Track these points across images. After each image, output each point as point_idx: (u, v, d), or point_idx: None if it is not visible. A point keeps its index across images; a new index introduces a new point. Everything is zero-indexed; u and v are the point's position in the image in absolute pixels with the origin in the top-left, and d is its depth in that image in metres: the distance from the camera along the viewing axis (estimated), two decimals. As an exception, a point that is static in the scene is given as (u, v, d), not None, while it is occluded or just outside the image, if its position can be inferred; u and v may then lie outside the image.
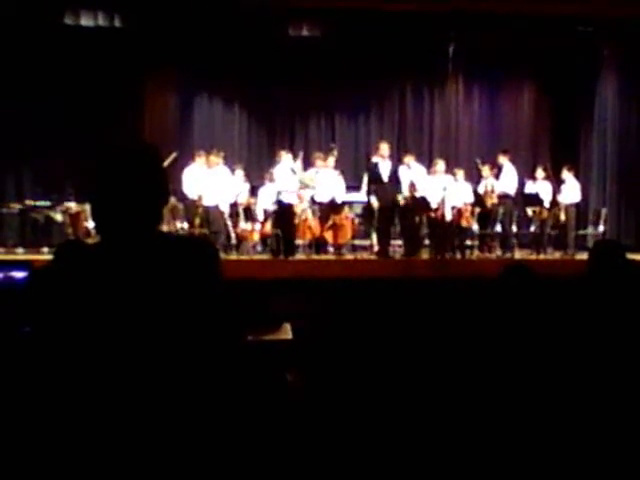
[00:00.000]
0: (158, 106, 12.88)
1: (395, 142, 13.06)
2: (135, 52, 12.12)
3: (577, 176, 12.02)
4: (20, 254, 10.26)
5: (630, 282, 3.40)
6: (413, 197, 10.66)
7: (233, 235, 10.94)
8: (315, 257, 10.63)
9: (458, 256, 10.92)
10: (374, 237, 10.81)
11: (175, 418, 1.75)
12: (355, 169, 12.65)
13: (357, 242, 11.24)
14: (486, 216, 11.37)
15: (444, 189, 10.67)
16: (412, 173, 10.96)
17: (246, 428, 2.52)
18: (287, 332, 4.67)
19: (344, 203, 10.93)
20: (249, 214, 10.91)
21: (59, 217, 10.63)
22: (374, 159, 10.74)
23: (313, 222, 10.71)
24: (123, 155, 1.87)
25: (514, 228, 11.62)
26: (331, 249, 10.96)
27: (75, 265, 1.80)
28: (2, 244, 10.91)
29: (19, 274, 4.97)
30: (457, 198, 11.02)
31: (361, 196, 10.96)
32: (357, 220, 11.14)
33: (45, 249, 10.18)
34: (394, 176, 10.50)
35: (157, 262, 1.81)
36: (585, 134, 13.45)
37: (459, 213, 11.04)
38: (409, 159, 11.22)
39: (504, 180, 11.53)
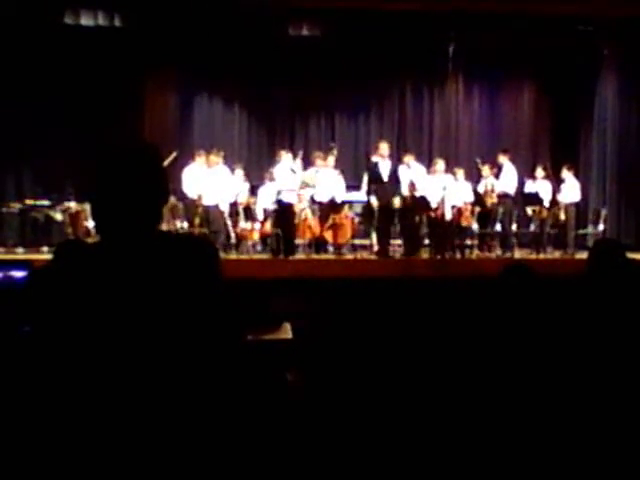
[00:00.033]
0: (158, 106, 12.89)
1: (395, 142, 13.06)
2: (135, 52, 12.12)
3: (577, 175, 12.03)
4: (20, 254, 10.26)
5: (630, 281, 3.40)
6: (413, 197, 10.66)
7: (233, 235, 10.94)
8: (315, 257, 10.63)
9: (458, 255, 10.92)
10: (374, 237, 10.81)
11: (175, 417, 1.75)
12: (355, 168, 12.65)
13: (357, 242, 11.23)
14: (486, 215, 11.37)
15: (444, 188, 10.67)
16: (412, 173, 10.96)
17: (246, 428, 2.52)
18: (287, 332, 4.67)
19: (344, 202, 10.93)
20: (249, 213, 10.91)
21: (59, 216, 10.64)
22: (374, 159, 10.74)
23: (313, 222, 10.71)
24: (123, 154, 1.87)
25: (514, 227, 11.62)
26: (331, 249, 10.96)
27: (75, 265, 1.80)
28: (2, 244, 10.91)
29: (19, 274, 4.97)
30: (457, 197, 11.02)
31: (361, 195, 10.95)
32: (357, 220, 11.14)
33: (45, 248, 10.18)
34: (394, 176, 10.50)
35: (157, 262, 1.81)
36: (585, 134, 13.45)
37: (459, 212, 11.04)
38: (409, 159, 11.23)
39: (504, 179, 11.53)
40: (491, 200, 11.29)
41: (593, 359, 3.00)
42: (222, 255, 9.36)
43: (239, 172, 11.27)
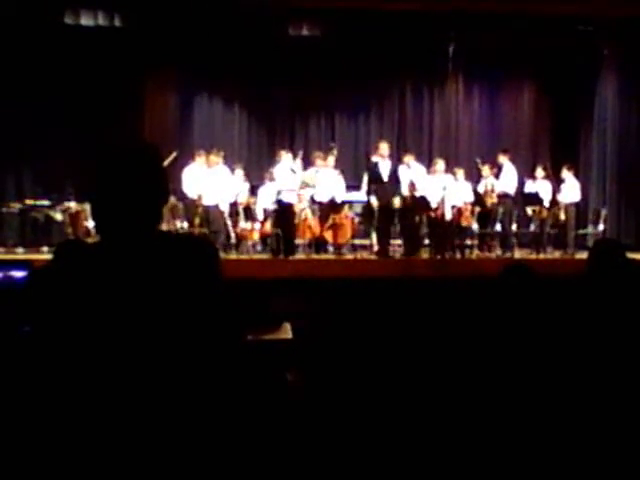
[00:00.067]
0: (158, 106, 12.89)
1: (395, 142, 13.06)
2: (135, 52, 12.12)
3: (577, 175, 12.03)
4: (20, 254, 10.26)
5: (630, 281, 3.40)
6: (413, 197, 10.66)
7: (233, 235, 10.94)
8: (315, 257, 10.63)
9: (458, 255, 10.92)
10: (374, 237, 10.81)
11: (175, 417, 1.75)
12: (355, 168, 12.65)
13: (357, 242, 11.23)
14: (486, 215, 11.37)
15: (444, 188, 10.67)
16: (412, 173, 10.96)
17: (246, 428, 2.52)
18: (287, 332, 4.67)
19: (344, 202, 10.93)
20: (249, 213, 10.91)
21: (59, 216, 10.64)
22: (374, 158, 10.74)
23: (313, 222, 10.71)
24: (123, 154, 1.87)
25: (514, 227, 11.62)
26: (331, 249, 10.96)
27: (75, 264, 1.80)
28: (2, 243, 10.91)
29: (19, 273, 4.97)
30: (457, 197, 11.02)
31: (361, 195, 10.95)
32: (357, 220, 11.14)
33: (45, 249, 10.18)
34: (394, 176, 10.50)
35: (157, 262, 1.81)
36: (585, 134, 13.45)
37: (459, 212, 11.04)
38: (409, 159, 11.22)
39: (504, 179, 11.53)
40: (491, 200, 11.29)
41: (593, 359, 3.00)
42: (222, 255, 9.36)
43: (239, 172, 11.27)
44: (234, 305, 1.91)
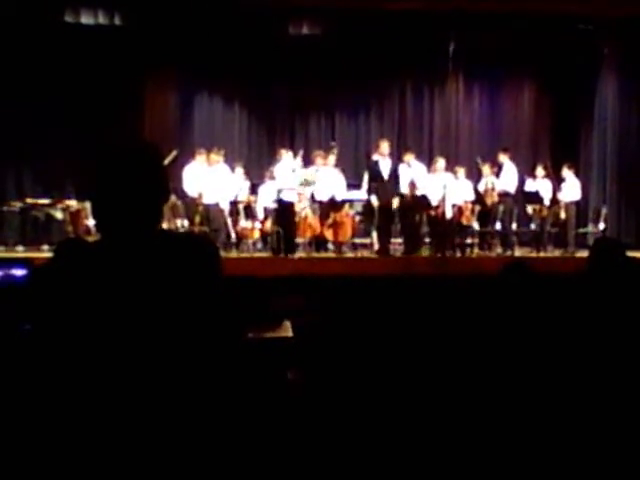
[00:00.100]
0: (158, 104, 12.88)
1: (395, 140, 13.05)
2: (135, 50, 12.11)
3: (577, 174, 12.02)
4: (20, 252, 10.26)
5: (630, 280, 3.41)
6: (413, 195, 10.66)
7: (233, 233, 10.94)
8: (315, 255, 10.64)
9: (458, 254, 10.93)
10: (374, 235, 10.81)
11: (175, 416, 1.76)
12: (355, 167, 12.64)
13: (357, 240, 11.24)
14: (486, 214, 11.37)
15: (444, 187, 10.67)
16: (412, 171, 10.96)
17: (246, 426, 2.52)
18: (287, 330, 4.67)
19: (344, 201, 10.93)
20: (249, 212, 10.90)
21: (59, 215, 10.64)
22: (374, 157, 10.75)
23: (313, 220, 10.71)
24: (123, 153, 1.87)
25: (514, 226, 11.63)
26: (331, 247, 10.97)
27: (75, 263, 1.80)
28: (3, 242, 10.92)
29: (19, 272, 4.97)
30: (457, 196, 11.03)
31: (361, 194, 10.95)
32: (357, 218, 11.14)
33: (45, 247, 10.19)
34: (394, 174, 10.50)
35: (157, 260, 1.81)
36: (585, 132, 13.45)
37: (459, 211, 11.05)
38: (409, 157, 11.22)
39: (504, 178, 11.54)
40: (491, 199, 11.29)
41: (593, 357, 3.00)
42: (222, 253, 9.32)
43: (239, 170, 11.26)
44: (234, 303, 1.92)
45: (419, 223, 10.91)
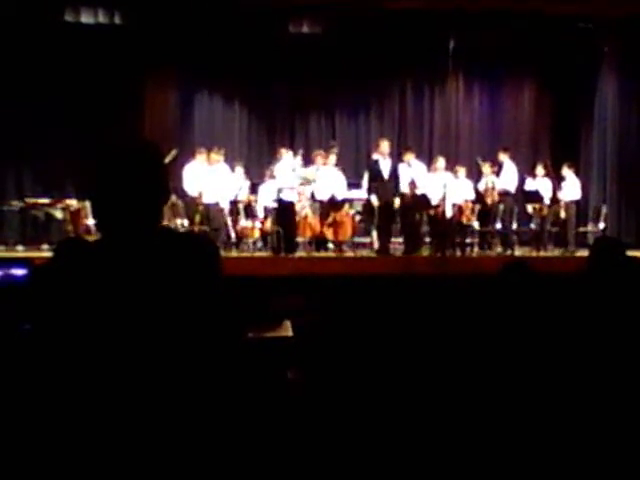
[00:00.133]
0: (158, 104, 12.87)
1: (395, 140, 13.05)
2: (135, 49, 12.11)
3: (577, 173, 12.03)
4: (20, 252, 10.26)
5: (630, 279, 3.40)
6: (413, 195, 10.66)
7: (233, 232, 10.94)
8: (315, 254, 10.65)
9: (458, 253, 10.94)
10: (374, 234, 10.81)
11: (175, 415, 1.75)
12: (355, 166, 12.64)
13: (357, 239, 11.24)
14: (486, 213, 11.38)
15: (444, 186, 10.67)
16: (412, 171, 10.96)
17: (246, 426, 2.52)
18: (287, 329, 4.68)
19: (344, 200, 10.93)
20: (249, 211, 10.90)
21: (59, 215, 10.64)
22: (374, 157, 10.75)
23: (313, 219, 10.72)
24: (123, 153, 1.87)
25: (514, 225, 11.63)
26: (331, 246, 10.97)
27: (76, 262, 1.80)
28: (2, 242, 10.92)
29: (19, 272, 4.97)
30: (457, 195, 11.03)
31: (361, 193, 10.96)
32: (357, 217, 11.14)
33: (45, 246, 10.18)
34: (394, 174, 10.51)
35: (157, 260, 1.81)
36: (585, 131, 13.45)
37: (460, 210, 11.06)
38: (409, 157, 11.21)
39: (504, 177, 11.54)
40: (492, 198, 11.29)
41: (593, 357, 3.00)
42: (222, 253, 9.33)
43: (239, 170, 11.26)
44: (234, 303, 1.91)
45: (419, 222, 10.91)
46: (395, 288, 6.82)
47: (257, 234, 10.98)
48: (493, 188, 11.33)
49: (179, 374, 1.77)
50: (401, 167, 10.77)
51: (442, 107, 13.75)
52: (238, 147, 13.09)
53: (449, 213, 10.80)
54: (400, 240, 10.95)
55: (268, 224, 10.83)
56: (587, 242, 11.20)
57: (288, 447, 3.08)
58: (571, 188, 11.54)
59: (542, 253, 11.23)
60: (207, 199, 10.47)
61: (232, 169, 11.09)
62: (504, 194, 11.36)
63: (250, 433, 2.72)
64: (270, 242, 10.79)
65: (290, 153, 10.86)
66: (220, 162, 10.87)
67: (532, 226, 11.77)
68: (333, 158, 11.08)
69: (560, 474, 2.75)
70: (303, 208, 10.60)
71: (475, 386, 3.00)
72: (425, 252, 10.80)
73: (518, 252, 11.21)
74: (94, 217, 1.90)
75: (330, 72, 12.79)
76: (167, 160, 8.87)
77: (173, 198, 10.29)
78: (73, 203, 10.52)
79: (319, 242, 10.98)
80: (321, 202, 10.95)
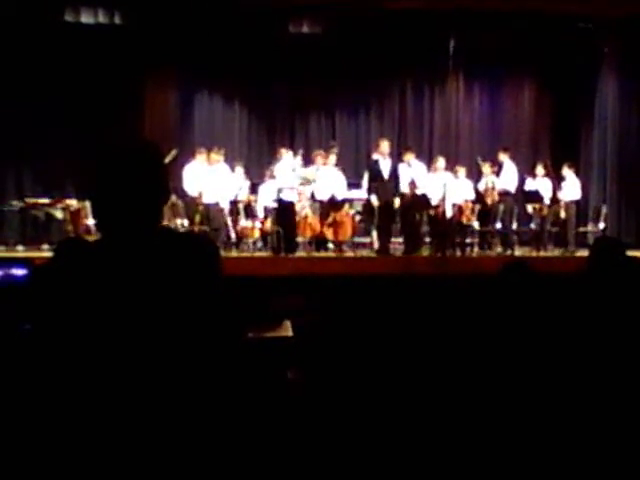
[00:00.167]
0: (158, 104, 12.87)
1: (395, 140, 13.05)
2: (135, 49, 12.10)
3: (577, 173, 12.03)
4: (20, 252, 10.26)
5: (630, 279, 3.40)
6: (413, 195, 10.66)
7: (233, 232, 10.94)
8: (315, 254, 10.65)
9: (458, 253, 10.94)
10: (374, 234, 10.81)
11: (175, 415, 1.75)
12: (355, 166, 12.64)
13: (357, 239, 11.24)
14: (486, 213, 11.38)
15: (444, 186, 10.67)
16: (412, 171, 10.96)
17: (246, 426, 2.52)
18: (287, 329, 4.68)
19: (344, 200, 10.93)
20: (249, 211, 10.90)
21: (59, 214, 10.64)
22: (374, 157, 10.76)
23: (313, 219, 10.72)
24: (123, 153, 1.87)
25: (514, 225, 11.63)
26: (331, 246, 10.97)
27: (76, 262, 1.80)
28: (2, 242, 10.91)
29: (19, 272, 4.97)
30: (457, 195, 11.03)
31: (361, 193, 10.96)
32: (357, 217, 11.14)
33: (45, 246, 10.18)
34: (394, 174, 10.51)
35: (158, 260, 1.81)
36: (585, 131, 13.46)
37: (460, 210, 11.06)
38: (409, 157, 11.21)
39: (504, 177, 11.54)
40: (492, 198, 11.29)
41: (593, 357, 3.00)
42: (222, 253, 9.33)
43: (239, 170, 11.26)
44: (234, 303, 1.91)
45: (419, 222, 10.91)
46: (395, 288, 6.82)
47: (257, 234, 10.98)
48: (493, 188, 11.33)
49: (179, 374, 1.77)
50: (401, 167, 10.76)
51: (442, 107, 13.74)
52: (238, 147, 13.09)
53: (449, 213, 10.80)
54: (400, 240, 10.95)
55: (268, 224, 10.83)
56: (587, 242, 11.20)
57: (288, 447, 3.08)
58: (571, 188, 11.54)
59: (542, 253, 11.23)
60: (207, 199, 10.47)
61: (232, 169, 11.09)
62: (504, 194, 11.36)
63: (250, 433, 2.72)
64: (270, 242, 10.79)
65: (290, 153, 10.86)
66: (220, 162, 10.86)
67: (532, 226, 11.77)
68: (333, 158, 11.08)
69: (560, 474, 2.75)
70: (303, 208, 10.60)
71: (475, 386, 3.00)
72: (425, 252, 10.80)
73: (518, 252, 11.21)
74: (94, 217, 1.90)
75: (330, 72, 12.79)
76: (167, 160, 8.87)
77: (173, 198, 10.29)
78: (73, 203, 10.52)
79: (319, 242, 10.98)
80: (321, 202, 10.94)
